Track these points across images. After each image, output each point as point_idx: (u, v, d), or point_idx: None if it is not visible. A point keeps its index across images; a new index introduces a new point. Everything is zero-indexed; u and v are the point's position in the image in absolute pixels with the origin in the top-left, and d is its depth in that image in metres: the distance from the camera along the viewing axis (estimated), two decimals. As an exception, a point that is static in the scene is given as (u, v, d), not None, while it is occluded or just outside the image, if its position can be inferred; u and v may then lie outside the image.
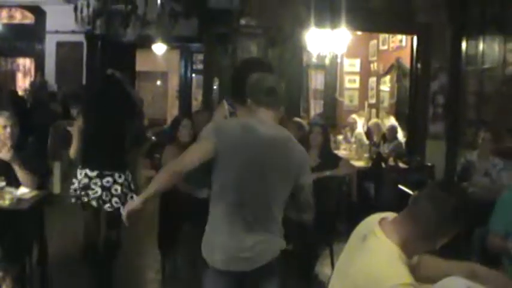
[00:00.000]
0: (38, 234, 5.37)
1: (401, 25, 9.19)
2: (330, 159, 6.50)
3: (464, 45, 8.33)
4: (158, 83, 19.83)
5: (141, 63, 14.22)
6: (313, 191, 6.07)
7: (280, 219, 3.31)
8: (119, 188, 5.37)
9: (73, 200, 5.43)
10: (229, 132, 3.27)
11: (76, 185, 5.37)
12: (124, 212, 3.19)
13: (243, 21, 8.29)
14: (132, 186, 5.55)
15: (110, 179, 5.33)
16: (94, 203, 5.32)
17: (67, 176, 9.51)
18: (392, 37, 11.83)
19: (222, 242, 3.23)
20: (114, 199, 5.35)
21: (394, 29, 9.85)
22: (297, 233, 6.41)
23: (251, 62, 4.77)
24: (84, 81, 12.42)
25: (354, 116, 11.69)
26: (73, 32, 12.40)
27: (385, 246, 2.29)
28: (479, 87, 7.98)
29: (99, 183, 5.29)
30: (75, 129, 5.57)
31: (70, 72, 12.98)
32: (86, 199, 5.33)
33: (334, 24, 8.80)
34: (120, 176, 5.39)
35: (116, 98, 5.53)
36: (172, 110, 18.75)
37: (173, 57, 17.10)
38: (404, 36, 10.92)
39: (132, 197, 5.30)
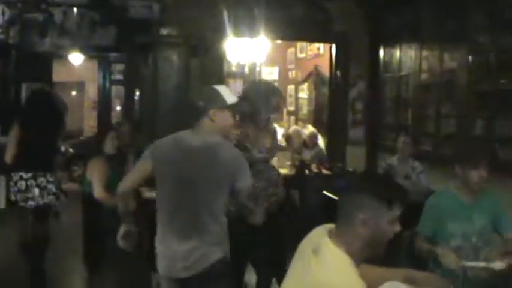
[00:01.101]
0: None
1: (319, 34, 9.37)
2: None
3: (381, 52, 8.55)
4: (73, 93, 19.41)
5: (57, 74, 13.88)
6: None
7: (218, 227, 3.38)
8: (52, 186, 5.96)
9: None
10: (163, 149, 3.50)
11: (13, 189, 5.91)
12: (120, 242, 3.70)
13: (163, 31, 8.23)
14: (61, 186, 6.22)
15: (43, 179, 5.89)
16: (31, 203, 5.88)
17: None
18: (310, 45, 12.03)
19: (160, 251, 3.47)
20: (49, 197, 5.94)
21: (312, 37, 10.02)
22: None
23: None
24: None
25: (275, 125, 11.79)
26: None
27: (337, 256, 2.31)
28: (397, 93, 8.20)
29: (34, 184, 5.86)
30: (11, 138, 6.02)
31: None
32: (23, 204, 5.88)
33: (253, 33, 8.87)
34: (51, 176, 5.97)
35: (46, 109, 6.16)
36: (89, 121, 18.37)
37: (90, 67, 16.80)
38: (322, 44, 11.12)
39: (63, 196, 6.19)
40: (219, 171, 3.34)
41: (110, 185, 5.16)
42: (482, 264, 3.68)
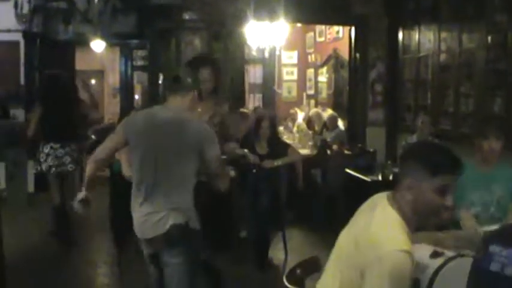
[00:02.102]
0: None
1: (339, 17, 9.49)
2: (279, 147, 6.70)
3: (400, 34, 8.66)
4: (93, 81, 19.63)
5: (78, 62, 14.06)
6: (266, 178, 6.32)
7: (186, 195, 3.67)
8: (77, 155, 7.31)
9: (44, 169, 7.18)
10: (135, 121, 3.81)
11: (44, 158, 7.12)
12: (76, 205, 3.89)
13: (186, 16, 8.39)
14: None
15: (69, 148, 7.17)
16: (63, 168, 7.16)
17: (13, 175, 9.46)
18: (329, 29, 12.13)
19: (134, 215, 3.75)
20: (76, 163, 7.26)
21: (332, 20, 10.17)
22: (250, 219, 6.66)
23: (196, 59, 5.29)
24: (22, 81, 12.21)
25: (295, 109, 11.98)
26: (9, 30, 12.15)
27: (391, 214, 2.43)
28: (416, 74, 8.32)
29: (63, 152, 7.14)
30: (34, 116, 7.26)
31: (7, 72, 12.73)
32: (55, 170, 7.13)
33: (272, 17, 9.00)
34: (75, 146, 7.30)
35: (60, 89, 7.39)
36: (110, 108, 18.59)
37: (110, 54, 16.98)
38: (341, 28, 11.22)
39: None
40: (186, 141, 3.61)
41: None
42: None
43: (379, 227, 2.40)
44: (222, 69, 8.54)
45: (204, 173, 3.78)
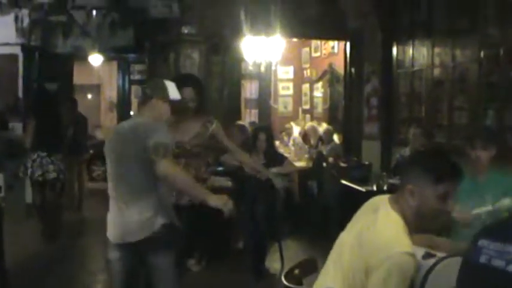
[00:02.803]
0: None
1: (334, 32, 9.63)
2: (275, 158, 6.80)
3: (394, 49, 8.79)
4: (89, 96, 19.70)
5: (76, 76, 14.14)
6: (261, 189, 6.39)
7: (154, 197, 3.77)
8: (60, 164, 7.90)
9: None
10: (108, 138, 4.04)
11: (30, 164, 7.78)
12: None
13: (184, 30, 8.50)
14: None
15: (53, 158, 7.78)
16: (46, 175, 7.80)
17: (11, 187, 9.50)
18: (324, 44, 12.26)
19: (109, 220, 3.92)
20: (56, 171, 7.84)
21: (327, 35, 10.30)
22: (246, 230, 6.74)
23: (178, 77, 5.54)
24: (20, 94, 12.28)
25: (291, 123, 12.09)
26: (7, 44, 12.23)
27: (395, 217, 2.56)
28: (410, 88, 8.44)
29: (48, 160, 7.75)
30: (30, 127, 7.94)
31: (5, 85, 12.81)
32: (40, 178, 7.80)
33: (269, 32, 9.13)
34: (59, 156, 7.90)
35: (50, 103, 8.39)
36: (106, 122, 18.66)
37: (106, 69, 17.08)
38: (336, 43, 11.37)
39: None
40: (140, 144, 3.72)
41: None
42: (489, 207, 4.04)
43: (384, 229, 2.51)
44: (219, 84, 8.70)
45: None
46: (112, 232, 3.87)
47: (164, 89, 3.99)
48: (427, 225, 2.66)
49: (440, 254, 2.73)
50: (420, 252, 2.74)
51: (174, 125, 4.71)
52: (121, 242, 3.82)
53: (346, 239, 2.69)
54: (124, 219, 3.77)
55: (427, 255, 2.68)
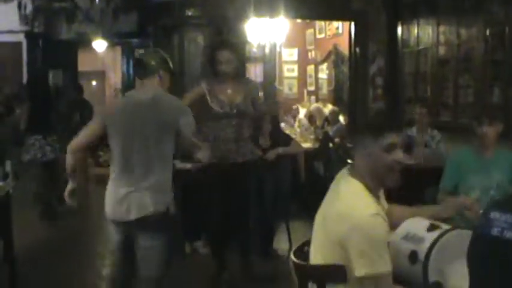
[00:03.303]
0: (4, 229, 5.47)
1: (338, 12, 9.59)
2: (281, 139, 6.80)
3: (399, 29, 8.77)
4: (94, 83, 19.71)
5: (80, 62, 14.17)
6: (269, 170, 6.40)
7: (167, 173, 3.79)
8: (56, 145, 8.03)
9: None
10: (113, 107, 4.01)
11: (27, 150, 7.99)
12: (66, 198, 3.93)
13: (188, 13, 8.49)
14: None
15: (49, 139, 8.00)
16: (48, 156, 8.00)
17: (18, 174, 9.54)
18: (328, 25, 12.22)
19: (110, 196, 3.81)
20: (55, 153, 8.01)
21: (331, 16, 10.25)
22: (254, 210, 6.75)
23: (214, 41, 5.47)
24: (24, 81, 12.32)
25: (297, 105, 12.09)
26: (11, 31, 12.26)
27: (352, 184, 2.66)
28: (415, 67, 8.43)
29: (43, 142, 7.97)
30: (24, 110, 8.40)
31: (10, 72, 12.87)
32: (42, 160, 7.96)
33: (273, 13, 9.10)
34: (54, 137, 8.08)
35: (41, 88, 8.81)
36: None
37: (111, 54, 17.07)
38: (341, 24, 11.33)
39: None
40: (163, 118, 3.73)
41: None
42: (493, 192, 4.10)
43: (346, 198, 2.64)
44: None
45: (180, 146, 3.93)
46: (109, 207, 3.81)
47: (168, 61, 4.02)
48: (386, 180, 2.72)
49: (444, 226, 2.75)
50: (424, 224, 2.77)
51: (218, 88, 4.88)
52: (120, 219, 3.77)
53: (318, 217, 2.79)
54: (119, 195, 3.72)
55: (431, 227, 2.71)
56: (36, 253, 6.69)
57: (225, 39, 6.14)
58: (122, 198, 3.71)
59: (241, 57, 5.16)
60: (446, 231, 2.63)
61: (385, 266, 2.51)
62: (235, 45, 5.25)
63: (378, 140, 2.63)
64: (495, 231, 2.08)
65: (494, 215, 2.12)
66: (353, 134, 2.87)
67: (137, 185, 3.69)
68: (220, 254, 5.47)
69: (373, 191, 2.67)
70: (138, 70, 4.03)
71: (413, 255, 2.62)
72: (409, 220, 2.82)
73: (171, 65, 4.03)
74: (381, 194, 2.83)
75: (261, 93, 12.93)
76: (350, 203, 2.59)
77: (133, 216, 3.69)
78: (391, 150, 2.64)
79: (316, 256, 2.74)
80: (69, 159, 3.86)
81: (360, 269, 2.50)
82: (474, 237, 2.27)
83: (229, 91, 5.06)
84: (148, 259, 3.78)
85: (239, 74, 5.06)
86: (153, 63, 3.94)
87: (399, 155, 2.66)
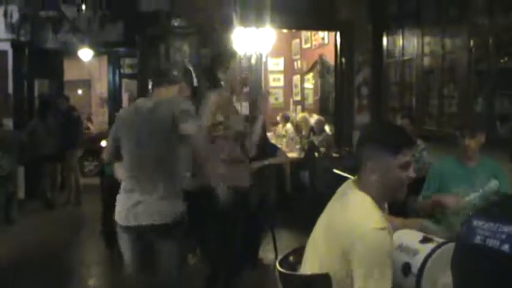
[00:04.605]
0: None
1: (324, 22, 9.66)
2: (268, 149, 6.81)
3: (385, 39, 8.82)
4: (80, 91, 19.67)
5: (66, 71, 14.12)
6: (255, 180, 6.40)
7: (175, 180, 3.77)
8: None
9: None
10: (123, 116, 3.91)
11: None
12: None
13: (174, 22, 8.50)
14: None
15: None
16: None
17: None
18: (314, 35, 12.28)
19: (123, 203, 3.78)
20: None
21: (317, 26, 10.33)
22: (240, 220, 6.74)
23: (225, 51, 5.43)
24: (10, 91, 12.25)
25: (288, 112, 12.15)
26: (-3, 40, 12.15)
27: (360, 197, 2.60)
28: (400, 77, 8.48)
29: None
30: None
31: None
32: None
33: (259, 23, 9.13)
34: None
35: None
36: (97, 118, 18.61)
37: (97, 63, 17.05)
38: (326, 34, 11.39)
39: None
40: (163, 124, 3.69)
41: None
42: (478, 193, 4.16)
43: (353, 210, 2.57)
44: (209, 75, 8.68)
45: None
46: (122, 214, 3.76)
47: (191, 75, 4.06)
48: (394, 196, 2.70)
49: (437, 239, 2.77)
50: (417, 236, 2.78)
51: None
52: (133, 224, 3.72)
53: (319, 227, 2.75)
54: (132, 201, 3.69)
55: (425, 240, 2.73)
56: (23, 260, 6.68)
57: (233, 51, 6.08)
58: (134, 206, 3.69)
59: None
60: (441, 244, 2.64)
61: (385, 281, 2.47)
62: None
63: (396, 156, 2.59)
64: (478, 239, 2.10)
65: (477, 223, 2.14)
66: (363, 144, 2.76)
67: (150, 193, 3.67)
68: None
69: (379, 205, 2.63)
70: (158, 78, 3.98)
71: (406, 267, 2.63)
72: (401, 231, 2.83)
73: (194, 78, 4.07)
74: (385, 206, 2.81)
75: (246, 103, 13.06)
76: (359, 215, 2.54)
77: (146, 223, 3.67)
78: (407, 167, 2.61)
79: (313, 266, 2.70)
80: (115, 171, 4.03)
81: (359, 282, 2.47)
82: (457, 246, 2.29)
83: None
84: (165, 266, 3.76)
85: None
86: (175, 74, 3.96)
87: (412, 172, 2.63)
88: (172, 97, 3.82)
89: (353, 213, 2.56)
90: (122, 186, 3.82)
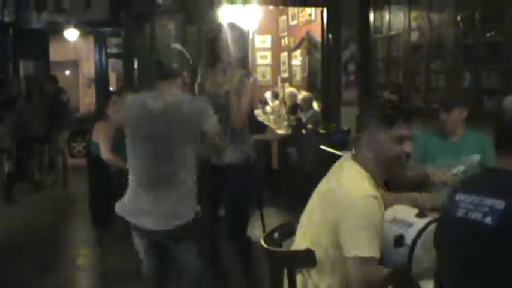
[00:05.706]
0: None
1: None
2: (256, 127, 6.77)
3: (371, 15, 8.77)
4: (67, 72, 19.55)
5: (52, 52, 14.01)
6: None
7: (191, 180, 3.62)
8: None
9: None
10: (129, 111, 3.68)
11: None
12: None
13: (159, 0, 8.43)
14: None
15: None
16: None
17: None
18: (301, 11, 12.20)
19: (134, 208, 3.61)
20: None
21: (304, 2, 10.27)
22: (227, 198, 6.73)
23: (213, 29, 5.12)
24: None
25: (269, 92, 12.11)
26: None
27: (356, 169, 2.68)
28: (387, 53, 8.44)
29: None
30: None
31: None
32: None
33: (245, 0, 9.06)
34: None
35: None
36: (85, 99, 18.54)
37: (84, 44, 16.92)
38: (313, 10, 11.31)
39: None
40: (184, 124, 3.54)
41: (116, 147, 5.41)
42: (461, 167, 4.22)
43: (347, 181, 2.64)
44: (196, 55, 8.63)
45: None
46: (138, 220, 3.60)
47: (188, 58, 3.80)
48: (391, 170, 2.74)
49: (432, 214, 2.78)
50: (413, 211, 2.80)
51: (211, 76, 4.53)
52: (150, 229, 3.56)
53: (313, 199, 2.81)
54: (147, 204, 3.55)
55: (421, 214, 2.74)
56: (5, 246, 6.66)
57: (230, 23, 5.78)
58: (148, 208, 3.54)
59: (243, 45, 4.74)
60: (434, 220, 2.65)
61: (373, 251, 2.52)
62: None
63: (390, 130, 2.62)
64: (460, 212, 2.11)
65: (460, 196, 2.16)
66: (361, 120, 2.79)
67: (164, 196, 3.53)
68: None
69: (375, 178, 2.67)
70: (159, 71, 3.72)
71: (400, 239, 2.64)
72: (396, 206, 2.84)
73: (191, 62, 3.81)
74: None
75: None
76: (352, 185, 2.60)
77: (163, 227, 3.53)
78: (401, 141, 2.64)
79: (306, 237, 2.74)
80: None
81: (349, 250, 2.52)
82: (440, 220, 2.30)
83: (218, 82, 4.71)
84: (184, 266, 3.70)
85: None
86: (175, 66, 3.70)
87: (408, 147, 2.66)
88: (181, 96, 3.64)
89: (347, 184, 2.62)
90: (130, 186, 3.65)
